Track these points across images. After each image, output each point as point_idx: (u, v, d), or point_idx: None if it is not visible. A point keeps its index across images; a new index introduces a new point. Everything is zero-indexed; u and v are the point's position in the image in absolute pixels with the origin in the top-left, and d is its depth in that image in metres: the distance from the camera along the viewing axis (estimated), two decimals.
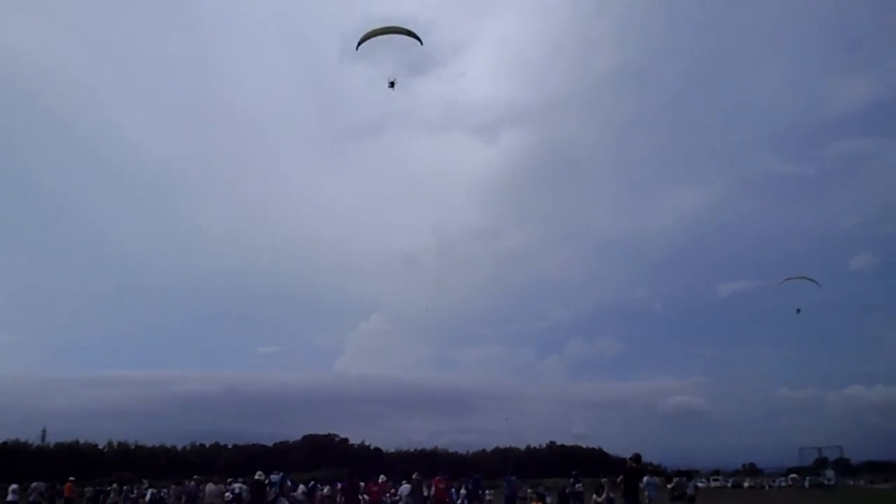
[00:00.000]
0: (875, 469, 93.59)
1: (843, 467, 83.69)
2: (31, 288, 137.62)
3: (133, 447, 78.37)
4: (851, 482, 78.89)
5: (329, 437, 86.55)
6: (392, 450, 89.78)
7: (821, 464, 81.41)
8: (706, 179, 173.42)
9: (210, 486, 16.01)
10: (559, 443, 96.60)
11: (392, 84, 21.66)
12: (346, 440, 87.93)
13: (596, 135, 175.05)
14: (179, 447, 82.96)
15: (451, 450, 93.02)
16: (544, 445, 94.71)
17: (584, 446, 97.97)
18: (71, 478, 31.12)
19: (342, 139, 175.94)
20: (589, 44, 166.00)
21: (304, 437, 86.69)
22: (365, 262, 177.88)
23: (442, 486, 25.04)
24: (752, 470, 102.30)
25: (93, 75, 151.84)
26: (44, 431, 72.50)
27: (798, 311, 43.32)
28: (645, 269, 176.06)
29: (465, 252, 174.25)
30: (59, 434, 75.96)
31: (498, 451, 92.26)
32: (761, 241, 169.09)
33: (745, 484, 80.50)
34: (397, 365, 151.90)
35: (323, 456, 79.18)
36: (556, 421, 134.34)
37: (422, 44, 21.32)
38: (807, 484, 73.60)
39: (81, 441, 74.51)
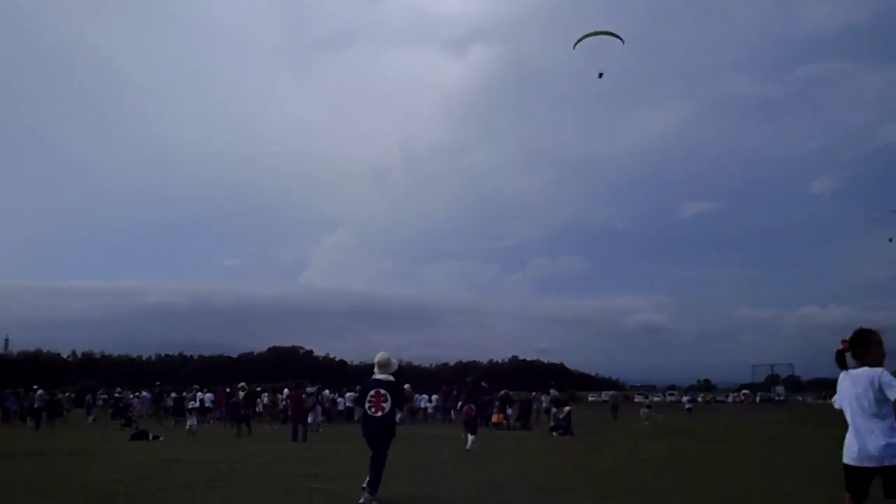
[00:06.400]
0: (823, 386, 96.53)
1: (793, 384, 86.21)
2: None
3: (98, 357, 78.97)
4: (800, 398, 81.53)
5: (294, 349, 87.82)
6: (357, 362, 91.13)
7: (772, 380, 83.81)
8: (673, 100, 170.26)
9: None
10: (521, 357, 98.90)
11: (601, 75, 21.10)
12: (310, 352, 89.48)
13: (564, 53, 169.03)
14: (145, 357, 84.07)
15: (416, 363, 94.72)
16: (507, 360, 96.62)
17: (546, 361, 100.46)
18: (35, 386, 30.30)
19: (310, 50, 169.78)
20: None
21: (269, 349, 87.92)
22: (331, 176, 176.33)
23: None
24: (706, 386, 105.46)
25: None
26: (6, 340, 72.57)
27: (890, 240, 43.25)
28: (610, 188, 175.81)
29: (431, 168, 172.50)
30: (22, 343, 76.22)
31: (461, 365, 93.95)
32: (726, 163, 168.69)
33: (699, 398, 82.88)
34: (362, 279, 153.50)
35: (287, 367, 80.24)
36: (520, 336, 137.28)
37: (623, 43, 20.64)
38: (757, 399, 75.88)
39: (44, 350, 74.95)
